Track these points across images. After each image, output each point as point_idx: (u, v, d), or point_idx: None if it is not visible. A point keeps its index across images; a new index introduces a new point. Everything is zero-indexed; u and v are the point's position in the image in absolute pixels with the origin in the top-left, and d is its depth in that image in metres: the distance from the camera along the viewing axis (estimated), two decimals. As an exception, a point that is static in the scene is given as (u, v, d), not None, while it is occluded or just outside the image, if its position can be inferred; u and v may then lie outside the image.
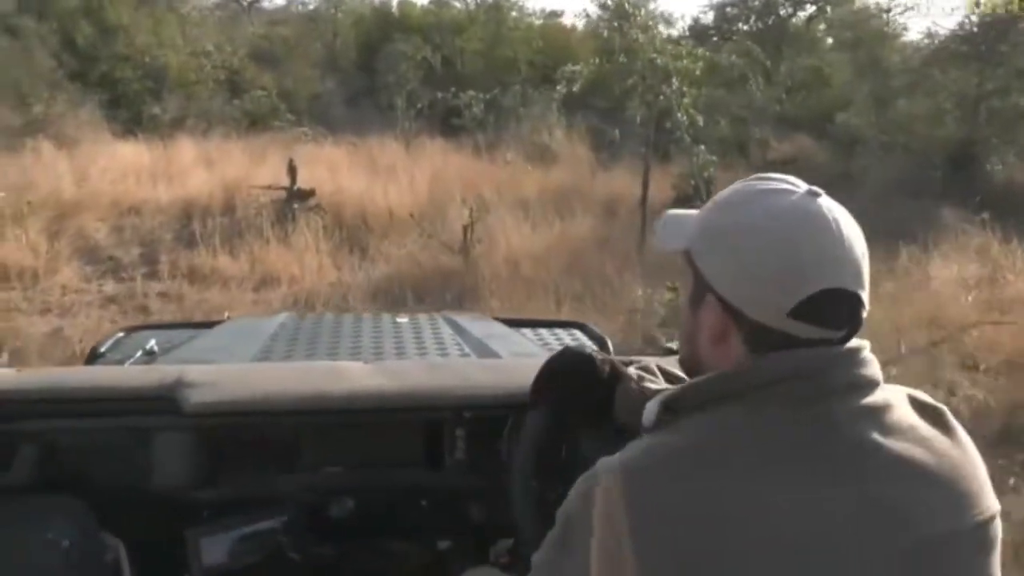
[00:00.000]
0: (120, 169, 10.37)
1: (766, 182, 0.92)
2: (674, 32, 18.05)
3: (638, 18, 9.78)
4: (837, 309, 0.86)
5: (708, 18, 20.52)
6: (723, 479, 0.82)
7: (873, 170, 12.62)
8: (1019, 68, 12.87)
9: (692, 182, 9.34)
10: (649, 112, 9.61)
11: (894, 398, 0.90)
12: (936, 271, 7.31)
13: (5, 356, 5.18)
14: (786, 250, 0.85)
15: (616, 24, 10.10)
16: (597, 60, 10.21)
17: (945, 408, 0.94)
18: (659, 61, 9.12)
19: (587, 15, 18.59)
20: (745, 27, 19.31)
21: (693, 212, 1.00)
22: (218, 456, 1.48)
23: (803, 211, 0.87)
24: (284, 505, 1.48)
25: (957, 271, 7.34)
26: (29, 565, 1.31)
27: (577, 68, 10.07)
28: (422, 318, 2.53)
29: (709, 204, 0.96)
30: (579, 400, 1.29)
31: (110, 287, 7.40)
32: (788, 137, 16.61)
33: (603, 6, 10.67)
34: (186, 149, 11.73)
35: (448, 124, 14.79)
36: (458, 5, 21.08)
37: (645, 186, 9.70)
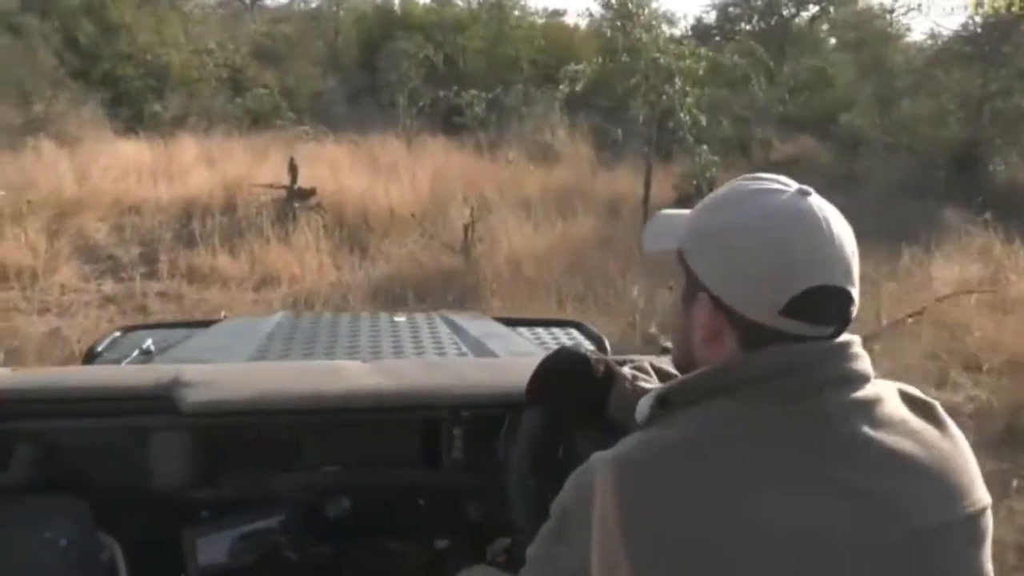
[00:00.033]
0: (121, 168, 10.36)
1: (757, 182, 0.93)
2: (676, 32, 17.99)
3: (641, 17, 9.74)
4: (827, 305, 0.87)
5: (711, 18, 20.48)
6: (716, 473, 0.83)
7: (877, 171, 12.60)
8: (1022, 69, 12.84)
9: (694, 182, 9.32)
10: (652, 112, 9.59)
11: (885, 392, 0.91)
12: (938, 272, 7.28)
13: (1, 355, 5.16)
14: (777, 249, 0.86)
15: (619, 23, 10.06)
16: (600, 59, 10.18)
17: (936, 403, 0.94)
18: (662, 61, 9.10)
19: (590, 14, 18.57)
20: (748, 27, 19.26)
21: (682, 212, 1.01)
22: (215, 455, 1.48)
23: (794, 210, 0.88)
24: (281, 504, 1.47)
25: (959, 272, 7.30)
26: (27, 564, 1.31)
27: (580, 67, 10.05)
28: (419, 317, 2.53)
29: (700, 204, 0.97)
30: (574, 399, 1.30)
31: (109, 287, 7.37)
32: (791, 138, 16.59)
33: (606, 5, 10.61)
34: (187, 147, 11.73)
35: (450, 123, 14.77)
36: (460, 3, 21.04)
37: (647, 186, 9.68)
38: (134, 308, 6.74)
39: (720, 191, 0.96)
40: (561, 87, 10.27)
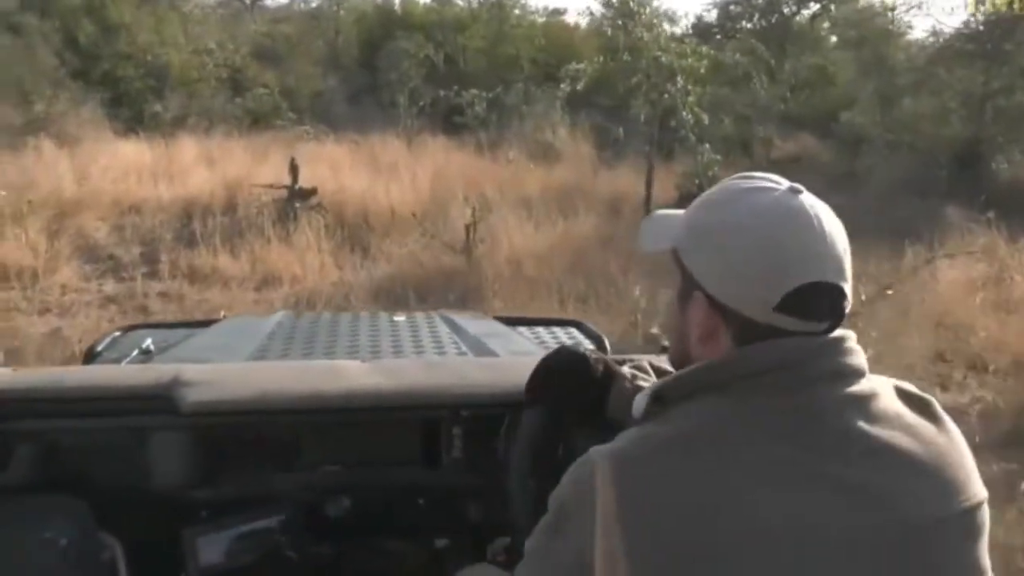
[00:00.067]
0: (121, 168, 10.35)
1: (749, 181, 0.95)
2: (677, 30, 17.98)
3: (642, 16, 9.72)
4: (820, 301, 0.88)
5: (711, 16, 20.47)
6: (711, 469, 0.83)
7: (878, 169, 12.58)
8: (1024, 66, 12.82)
9: (696, 181, 9.30)
10: (653, 110, 9.57)
11: (880, 387, 0.91)
12: (942, 271, 7.25)
13: (1, 355, 5.14)
14: (770, 246, 0.87)
15: (620, 22, 10.04)
16: (601, 58, 10.16)
17: (932, 398, 0.94)
18: (664, 59, 9.09)
19: (590, 13, 18.55)
20: (748, 25, 19.24)
21: (676, 212, 1.02)
22: (215, 455, 1.48)
23: (785, 208, 0.89)
24: (281, 504, 1.47)
25: (964, 271, 7.28)
26: (27, 564, 1.30)
27: (581, 66, 10.03)
28: (419, 317, 2.52)
29: (695, 204, 0.98)
30: (574, 399, 1.31)
31: (110, 287, 7.36)
32: (792, 136, 16.57)
33: (607, 4, 10.60)
34: (187, 148, 11.71)
35: (450, 122, 14.75)
36: (460, 3, 21.01)
37: (649, 185, 9.67)
38: (135, 308, 6.73)
39: (713, 191, 0.98)
40: (562, 86, 10.26)
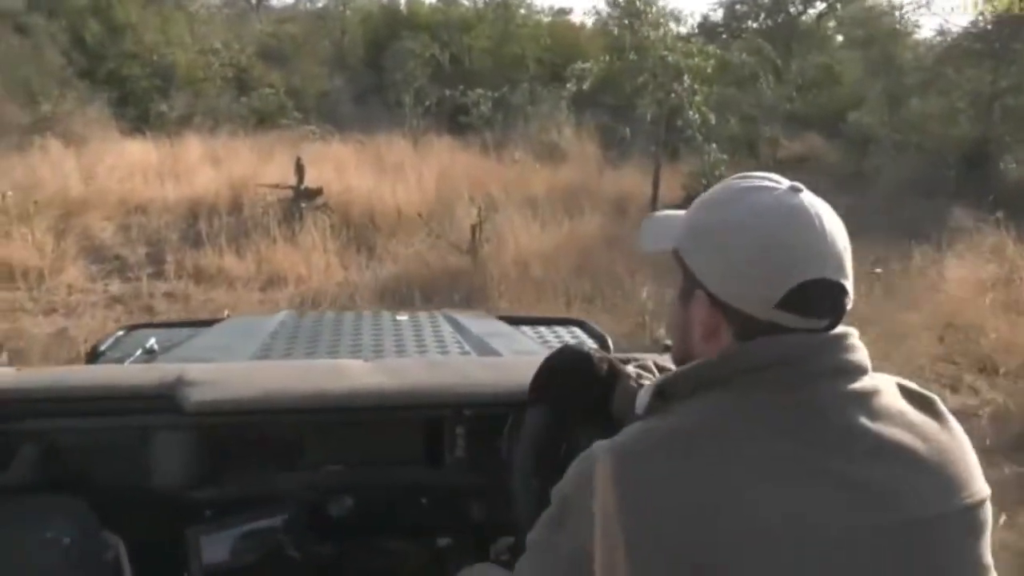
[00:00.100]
0: (127, 167, 10.36)
1: (749, 180, 0.96)
2: (683, 30, 17.92)
3: (649, 15, 9.69)
4: (821, 298, 0.89)
5: (717, 16, 20.43)
6: (712, 463, 0.83)
7: (886, 169, 12.53)
8: (1033, 66, 12.74)
9: (703, 181, 9.26)
10: (660, 110, 9.54)
11: (883, 384, 0.91)
12: (951, 272, 7.21)
13: (4, 355, 5.14)
14: (771, 245, 0.88)
15: (627, 21, 10.01)
16: (608, 57, 10.13)
17: (935, 396, 0.94)
18: (670, 59, 9.05)
19: (596, 12, 18.49)
20: (754, 25, 19.20)
21: (677, 213, 1.04)
22: (218, 455, 1.47)
23: (786, 207, 0.90)
24: (284, 503, 1.47)
25: (972, 271, 7.23)
26: (29, 564, 1.30)
27: (587, 66, 10.00)
28: (422, 316, 2.53)
29: (695, 204, 0.99)
30: (578, 398, 1.30)
31: (116, 287, 7.35)
32: (798, 136, 16.52)
33: (613, 3, 10.58)
34: (193, 147, 11.71)
35: (456, 122, 14.74)
36: (466, 2, 21.02)
37: (656, 185, 9.64)
38: (141, 308, 6.71)
39: (713, 190, 0.98)
40: (568, 85, 10.24)
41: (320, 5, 23.10)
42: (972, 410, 4.62)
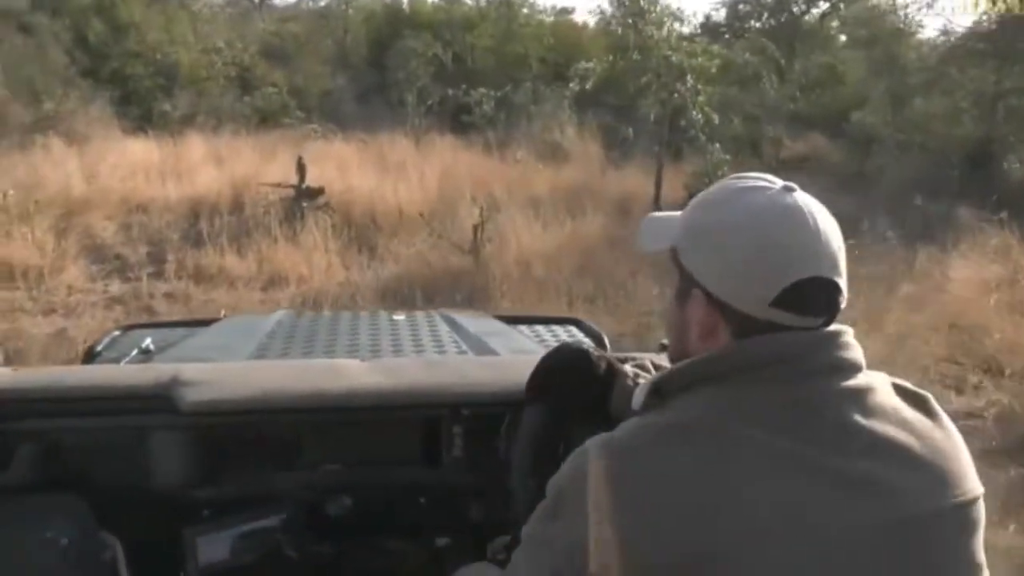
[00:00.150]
0: (129, 166, 10.35)
1: (744, 180, 0.97)
2: (685, 30, 17.88)
3: (652, 14, 9.66)
4: (816, 296, 0.90)
5: (720, 15, 20.37)
6: (711, 460, 0.84)
7: (889, 169, 12.49)
8: (1037, 66, 12.69)
9: (706, 181, 9.23)
10: (663, 110, 9.51)
11: (877, 382, 0.92)
12: (955, 272, 7.17)
13: (0, 355, 5.13)
14: (767, 244, 0.89)
15: (630, 20, 9.98)
16: (611, 57, 10.10)
17: (929, 395, 0.95)
18: (674, 58, 9.02)
19: (600, 12, 18.42)
20: (757, 24, 19.14)
21: (673, 214, 1.05)
22: (216, 454, 1.47)
23: (780, 206, 0.91)
24: (282, 503, 1.47)
25: (976, 271, 7.19)
26: (27, 564, 1.30)
27: (591, 65, 9.97)
28: (419, 316, 2.54)
29: (691, 204, 1.00)
30: (576, 396, 1.30)
31: (116, 287, 7.34)
32: (801, 136, 16.48)
33: (618, 3, 10.54)
34: (196, 146, 11.71)
35: (458, 121, 14.73)
36: (469, 1, 20.99)
37: (658, 185, 9.62)
38: (141, 309, 6.70)
39: (709, 191, 1.00)
40: (571, 85, 10.21)
41: (323, 4, 23.09)
42: (977, 411, 4.58)
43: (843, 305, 0.92)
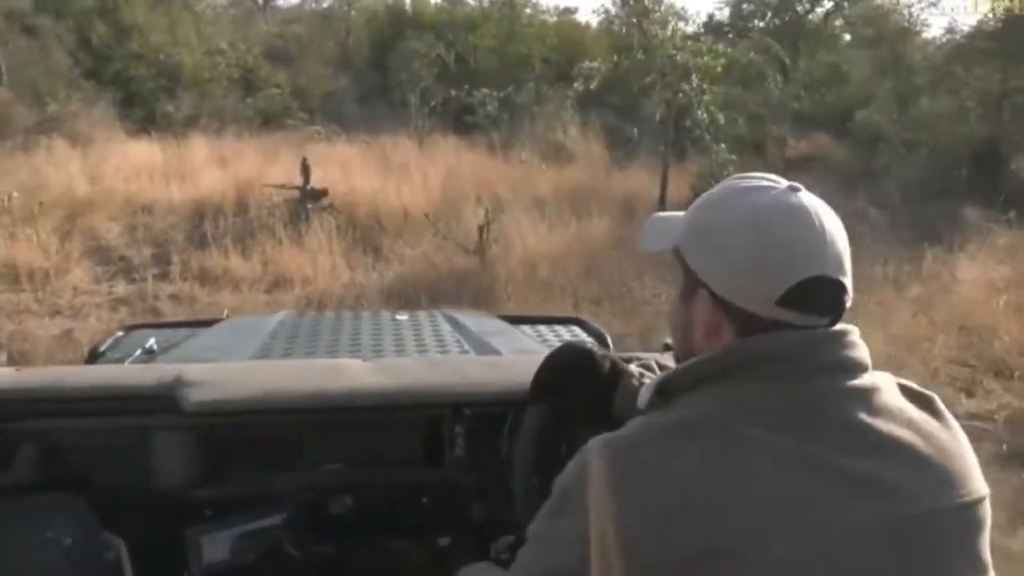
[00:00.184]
0: (133, 168, 10.35)
1: (748, 180, 0.97)
2: (689, 29, 17.85)
3: (657, 14, 9.63)
4: (821, 296, 0.89)
5: (723, 15, 20.35)
6: (716, 457, 0.83)
7: (895, 169, 12.44)
8: (1044, 65, 12.63)
9: (712, 181, 9.19)
10: (668, 110, 9.48)
11: (882, 382, 0.92)
12: (963, 273, 7.13)
13: (4, 356, 5.12)
14: (771, 244, 0.89)
15: (635, 20, 9.95)
16: (615, 57, 10.07)
17: (935, 395, 0.95)
18: (679, 58, 8.99)
19: (605, 11, 18.38)
20: (761, 24, 19.11)
21: (676, 214, 1.05)
22: (218, 454, 1.48)
23: (785, 206, 0.91)
24: (284, 503, 1.47)
25: (984, 272, 7.15)
26: (30, 564, 1.30)
27: (595, 65, 9.94)
28: (422, 315, 2.55)
29: (695, 204, 1.00)
30: (579, 395, 1.30)
31: (121, 288, 7.33)
32: (806, 135, 16.43)
33: (622, 2, 10.51)
34: (199, 148, 11.71)
35: (462, 122, 14.71)
36: (471, 2, 20.99)
37: (664, 185, 9.58)
38: (146, 310, 6.69)
39: (713, 191, 1.00)
40: (576, 85, 10.18)
41: (325, 5, 23.15)
42: (988, 414, 4.54)
43: (848, 304, 0.92)
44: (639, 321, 6.28)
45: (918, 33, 17.46)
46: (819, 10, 19.34)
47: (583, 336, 2.45)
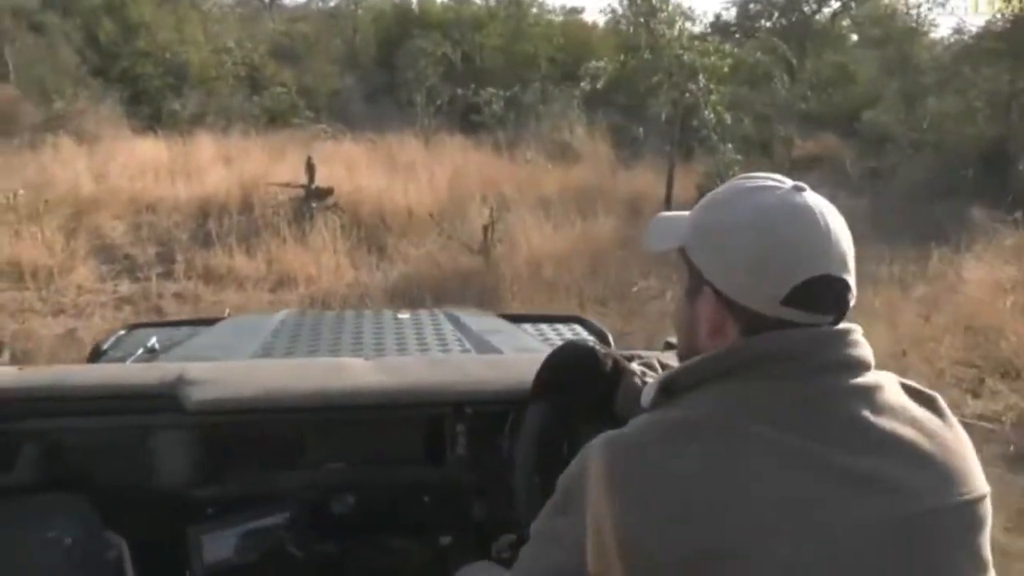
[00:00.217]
0: (139, 166, 10.36)
1: (753, 180, 0.97)
2: (696, 29, 17.81)
3: (664, 13, 9.61)
4: (825, 294, 0.90)
5: (730, 15, 20.31)
6: (719, 456, 0.83)
7: (902, 169, 12.40)
8: (1052, 65, 12.55)
9: (718, 181, 9.16)
10: (675, 110, 9.45)
11: (885, 381, 0.92)
12: (969, 273, 7.09)
13: (6, 355, 5.12)
14: (776, 243, 0.89)
15: (642, 19, 9.93)
16: (622, 56, 10.06)
17: (937, 395, 0.95)
18: (686, 58, 8.97)
19: (611, 11, 18.39)
20: (768, 24, 19.07)
21: (680, 214, 1.05)
22: (220, 453, 1.48)
23: (790, 205, 0.91)
24: (286, 502, 1.47)
25: (991, 272, 7.10)
26: (31, 564, 1.30)
27: (601, 64, 9.92)
28: (423, 314, 2.56)
29: (700, 204, 1.01)
30: (581, 394, 1.30)
31: (125, 287, 7.33)
32: (813, 135, 16.39)
33: (629, 2, 10.49)
34: (205, 146, 11.72)
35: (468, 121, 14.71)
36: (478, 1, 20.99)
37: (670, 185, 9.56)
38: (150, 309, 6.68)
39: (718, 190, 1.00)
40: (582, 84, 10.17)
41: (332, 4, 23.17)
42: (995, 415, 4.50)
43: (852, 303, 0.92)
44: (644, 321, 6.26)
45: (926, 33, 17.39)
46: (826, 10, 19.30)
47: (585, 335, 2.46)
